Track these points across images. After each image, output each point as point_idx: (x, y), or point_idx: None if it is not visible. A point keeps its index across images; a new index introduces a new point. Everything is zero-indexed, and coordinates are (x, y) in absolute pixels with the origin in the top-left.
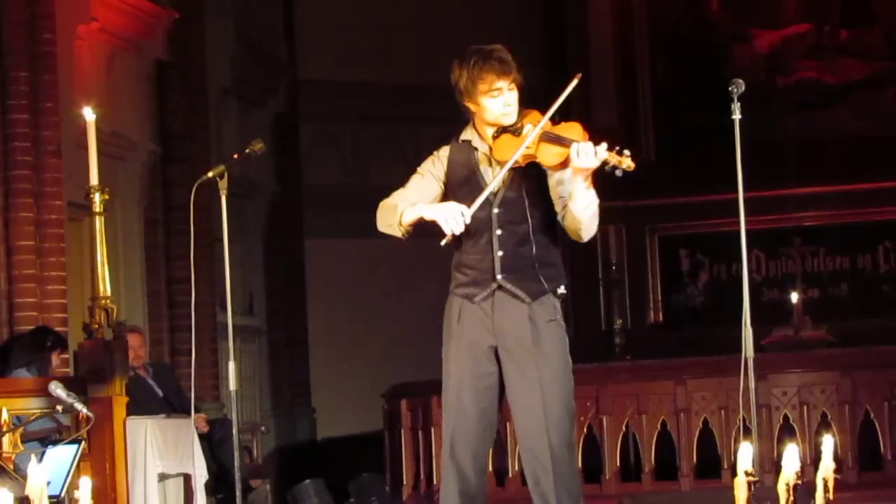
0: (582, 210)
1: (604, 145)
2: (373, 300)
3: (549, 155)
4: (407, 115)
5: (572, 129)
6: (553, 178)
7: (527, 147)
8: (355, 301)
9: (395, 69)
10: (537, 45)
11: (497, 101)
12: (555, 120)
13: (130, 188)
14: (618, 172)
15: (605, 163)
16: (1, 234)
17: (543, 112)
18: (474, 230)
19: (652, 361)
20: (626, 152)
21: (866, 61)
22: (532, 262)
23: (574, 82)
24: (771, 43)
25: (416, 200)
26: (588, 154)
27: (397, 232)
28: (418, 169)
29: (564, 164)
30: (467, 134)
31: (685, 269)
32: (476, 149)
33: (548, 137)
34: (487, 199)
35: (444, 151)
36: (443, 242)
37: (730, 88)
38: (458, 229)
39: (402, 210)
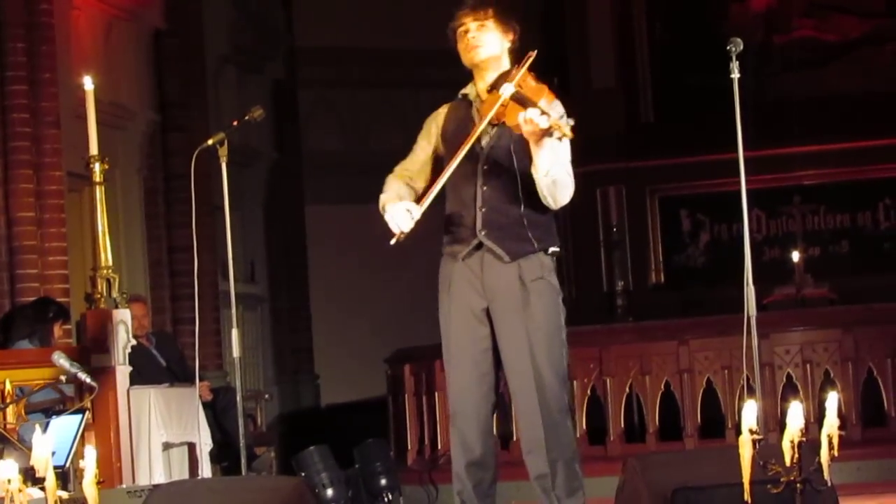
0: (542, 175)
1: (540, 112)
2: (374, 265)
3: (511, 116)
4: (405, 80)
5: (539, 92)
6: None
7: (501, 105)
8: (357, 266)
9: (393, 34)
10: (535, 8)
11: (463, 40)
12: (528, 81)
13: (130, 157)
14: (556, 135)
15: (550, 128)
16: (1, 205)
17: (531, 73)
18: (460, 184)
19: (654, 322)
20: (570, 121)
21: (864, 18)
22: (520, 221)
23: (530, 60)
24: (768, 1)
25: (413, 170)
26: (528, 116)
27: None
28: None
29: (518, 127)
30: (467, 88)
31: (686, 229)
32: (471, 102)
33: (518, 98)
34: (475, 153)
35: (444, 108)
36: (392, 242)
37: (728, 47)
38: (406, 227)
39: (383, 201)
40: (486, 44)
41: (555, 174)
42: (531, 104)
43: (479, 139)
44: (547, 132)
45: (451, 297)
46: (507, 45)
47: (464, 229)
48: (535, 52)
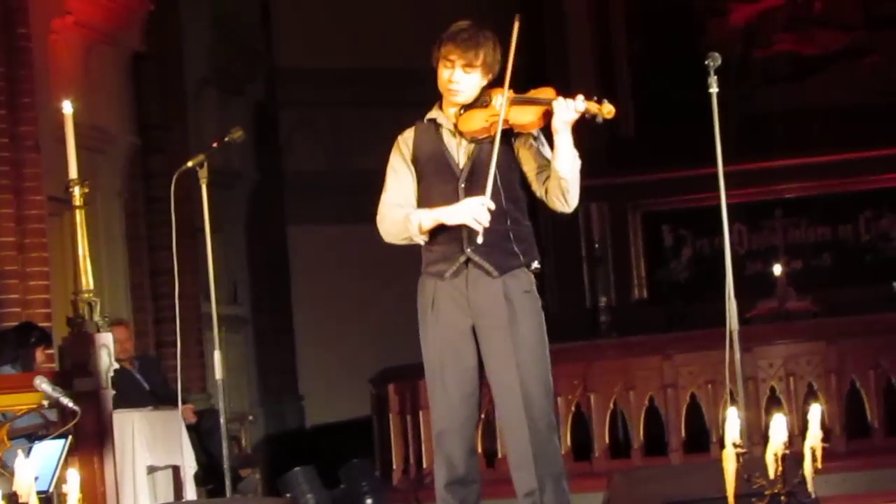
0: (567, 168)
1: (580, 96)
2: (358, 285)
3: (524, 115)
4: (385, 100)
5: (546, 91)
6: (529, 149)
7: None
8: (340, 287)
9: (373, 54)
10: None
11: (445, 71)
12: (521, 89)
13: (111, 181)
14: (598, 120)
15: (585, 112)
16: None
17: (502, 86)
18: (441, 204)
19: (638, 338)
20: (605, 101)
21: (844, 31)
22: (506, 236)
23: (516, 25)
24: (747, 16)
25: (405, 198)
26: (569, 105)
27: (418, 241)
28: (390, 162)
29: (541, 121)
30: (432, 113)
31: (668, 244)
32: (440, 125)
33: (520, 101)
34: (454, 173)
35: (409, 133)
36: (480, 240)
37: (706, 62)
38: (487, 220)
39: (416, 220)
40: (468, 89)
41: (577, 166)
42: (544, 100)
43: (456, 158)
44: (583, 116)
45: (436, 317)
46: (486, 82)
47: (449, 247)
48: (518, 20)
